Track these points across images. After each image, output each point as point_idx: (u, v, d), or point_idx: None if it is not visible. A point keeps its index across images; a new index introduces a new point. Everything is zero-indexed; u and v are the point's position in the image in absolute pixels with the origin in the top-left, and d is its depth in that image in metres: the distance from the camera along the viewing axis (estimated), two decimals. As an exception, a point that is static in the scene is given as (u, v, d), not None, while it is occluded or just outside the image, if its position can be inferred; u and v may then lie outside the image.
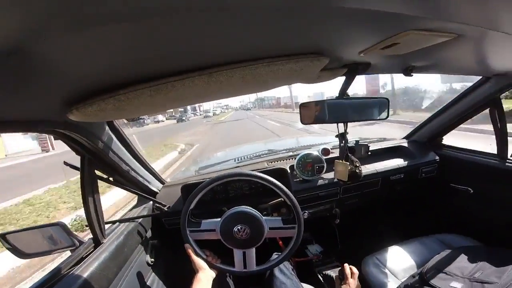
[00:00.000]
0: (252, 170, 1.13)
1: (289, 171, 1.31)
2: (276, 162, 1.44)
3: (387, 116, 0.99)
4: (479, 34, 0.54)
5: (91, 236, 0.94)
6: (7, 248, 0.83)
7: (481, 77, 1.06)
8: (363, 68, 0.85)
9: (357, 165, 1.08)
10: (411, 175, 1.41)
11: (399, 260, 1.13)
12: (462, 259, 0.95)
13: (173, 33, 0.37)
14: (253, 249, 0.93)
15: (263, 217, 0.92)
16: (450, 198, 1.43)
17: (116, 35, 0.34)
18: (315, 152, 1.34)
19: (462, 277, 0.86)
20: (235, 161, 1.63)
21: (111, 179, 1.03)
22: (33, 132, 0.70)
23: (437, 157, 1.42)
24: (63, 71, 0.43)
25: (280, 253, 0.99)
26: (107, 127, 0.93)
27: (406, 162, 1.40)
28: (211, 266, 0.92)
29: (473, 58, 0.81)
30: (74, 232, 0.92)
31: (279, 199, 1.18)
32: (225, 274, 1.02)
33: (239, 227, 0.90)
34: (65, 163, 0.87)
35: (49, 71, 0.42)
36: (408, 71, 0.92)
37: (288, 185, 0.92)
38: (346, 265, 0.95)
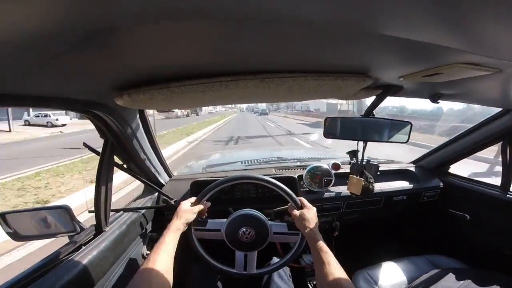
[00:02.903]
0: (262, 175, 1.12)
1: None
2: (284, 170, 1.44)
3: (407, 140, 1.00)
4: None
5: (93, 223, 0.90)
6: (4, 230, 0.78)
7: (500, 109, 1.09)
8: (395, 90, 0.86)
9: (371, 181, 1.10)
10: (413, 198, 1.44)
11: (389, 276, 1.14)
12: (449, 279, 0.97)
13: (238, 37, 0.39)
14: (255, 252, 0.93)
15: (268, 221, 0.93)
16: (446, 222, 1.47)
17: (186, 31, 0.35)
18: (325, 165, 1.34)
19: None
20: (242, 163, 1.62)
21: (125, 166, 1.02)
22: (71, 111, 0.69)
23: (441, 184, 1.45)
24: (128, 59, 0.45)
25: (279, 258, 0.98)
26: (137, 115, 0.92)
27: (411, 185, 1.43)
28: (211, 265, 0.91)
29: (502, 91, 0.84)
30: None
31: (285, 207, 1.18)
32: (216, 277, 1.01)
33: (244, 230, 0.90)
34: (85, 145, 0.83)
35: (115, 58, 0.43)
36: (435, 98, 0.93)
37: (296, 194, 0.93)
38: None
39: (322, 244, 0.75)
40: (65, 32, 0.30)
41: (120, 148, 0.93)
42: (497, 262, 1.15)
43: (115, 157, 0.93)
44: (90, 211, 0.91)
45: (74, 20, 0.28)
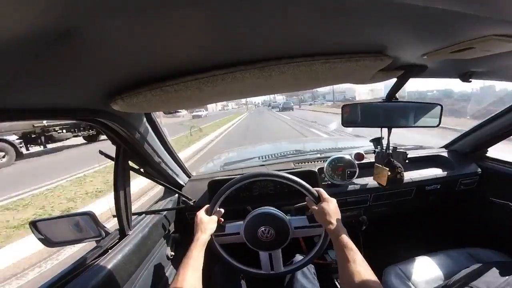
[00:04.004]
0: (279, 170, 1.09)
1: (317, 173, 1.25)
2: (303, 164, 1.39)
3: (439, 124, 0.91)
4: None
5: (117, 227, 0.92)
6: (37, 237, 0.83)
7: None
8: (419, 70, 0.78)
9: (400, 170, 1.02)
10: (448, 186, 1.33)
11: (423, 272, 1.06)
12: (491, 274, 0.89)
13: (227, 22, 0.35)
14: (279, 250, 0.90)
15: (286, 217, 0.90)
16: (487, 212, 1.35)
17: (171, 21, 0.32)
18: (347, 156, 1.27)
19: None
20: (259, 158, 1.59)
21: (142, 170, 1.03)
22: (73, 120, 0.69)
23: (479, 170, 1.32)
24: (112, 59, 0.41)
25: (303, 255, 0.95)
26: (144, 119, 0.92)
27: (445, 172, 1.31)
28: (238, 269, 0.90)
29: None
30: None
31: (305, 202, 1.14)
32: (239, 275, 1.00)
33: (263, 229, 0.87)
34: (101, 152, 0.85)
35: (98, 58, 0.39)
36: (466, 77, 0.84)
37: None
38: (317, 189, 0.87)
39: (346, 239, 0.67)
40: (36, 34, 0.27)
41: (133, 153, 0.93)
42: None
43: (131, 162, 0.94)
44: (114, 216, 0.93)
45: (45, 19, 0.25)
